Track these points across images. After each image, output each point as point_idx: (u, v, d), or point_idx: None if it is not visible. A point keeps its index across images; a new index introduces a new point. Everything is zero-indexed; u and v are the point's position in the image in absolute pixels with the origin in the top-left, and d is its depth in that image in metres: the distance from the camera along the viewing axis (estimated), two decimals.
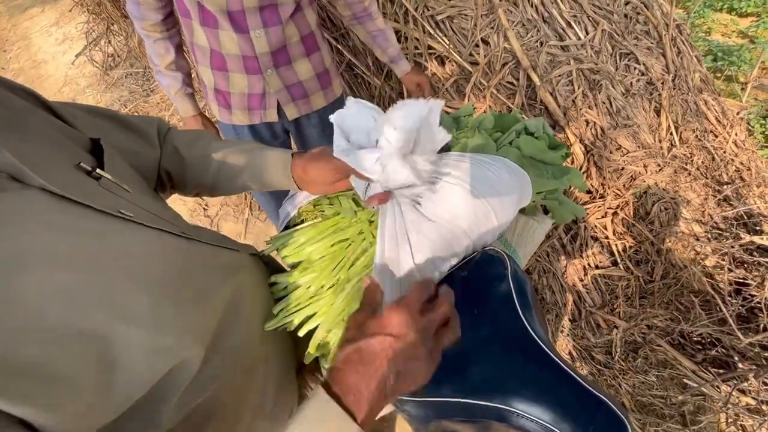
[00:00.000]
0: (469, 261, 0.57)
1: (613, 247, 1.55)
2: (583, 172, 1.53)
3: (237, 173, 0.61)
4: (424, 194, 0.51)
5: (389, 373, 0.36)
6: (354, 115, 0.52)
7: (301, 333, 0.53)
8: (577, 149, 1.49)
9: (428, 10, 1.59)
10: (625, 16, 1.65)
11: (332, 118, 0.53)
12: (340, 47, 1.77)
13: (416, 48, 1.66)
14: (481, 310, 0.54)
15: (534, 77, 1.46)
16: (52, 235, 0.31)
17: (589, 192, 1.57)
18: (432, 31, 1.60)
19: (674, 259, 1.50)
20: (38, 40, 4.52)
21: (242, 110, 1.08)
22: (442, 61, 1.67)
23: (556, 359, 0.49)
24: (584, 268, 1.55)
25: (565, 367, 0.47)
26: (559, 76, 1.48)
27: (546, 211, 0.78)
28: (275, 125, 1.14)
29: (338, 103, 1.22)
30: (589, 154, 1.50)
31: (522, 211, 0.72)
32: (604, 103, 1.50)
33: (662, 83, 1.61)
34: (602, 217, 1.56)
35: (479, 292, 0.55)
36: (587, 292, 1.55)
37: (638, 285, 1.52)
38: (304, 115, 1.13)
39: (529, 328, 0.52)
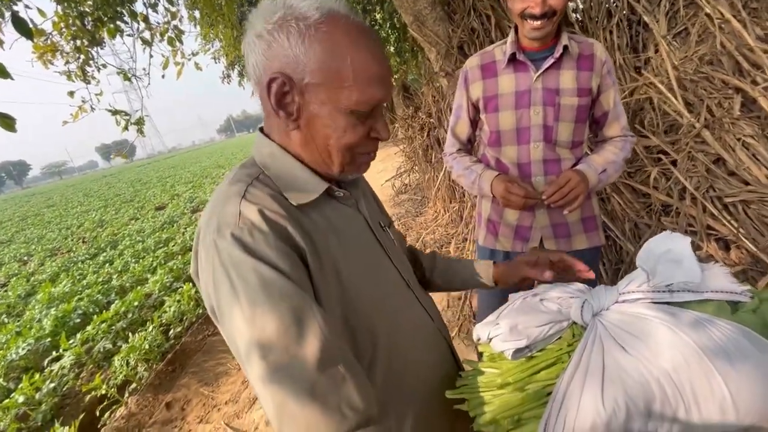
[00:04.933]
0: None
1: None
2: None
3: (457, 280, 0.85)
4: (629, 330, 0.51)
5: None
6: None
7: (476, 426, 0.57)
8: None
9: (714, 191, 1.46)
10: None
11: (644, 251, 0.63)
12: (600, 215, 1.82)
13: (689, 225, 1.51)
14: None
15: None
16: (359, 237, 0.62)
17: None
18: (716, 212, 1.43)
19: None
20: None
21: (506, 238, 1.29)
22: (726, 245, 1.43)
23: None
24: None
25: None
26: None
27: None
28: None
29: (596, 252, 1.29)
30: None
31: None
32: None
33: None
34: None
35: None
36: None
37: None
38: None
39: None
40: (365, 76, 0.51)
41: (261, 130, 0.62)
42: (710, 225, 1.41)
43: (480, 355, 0.68)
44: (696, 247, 1.44)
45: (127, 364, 2.61)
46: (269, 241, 0.48)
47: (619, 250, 1.74)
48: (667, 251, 0.62)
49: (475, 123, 1.32)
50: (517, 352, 0.60)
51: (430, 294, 0.80)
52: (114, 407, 2.37)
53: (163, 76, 3.49)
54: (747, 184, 1.39)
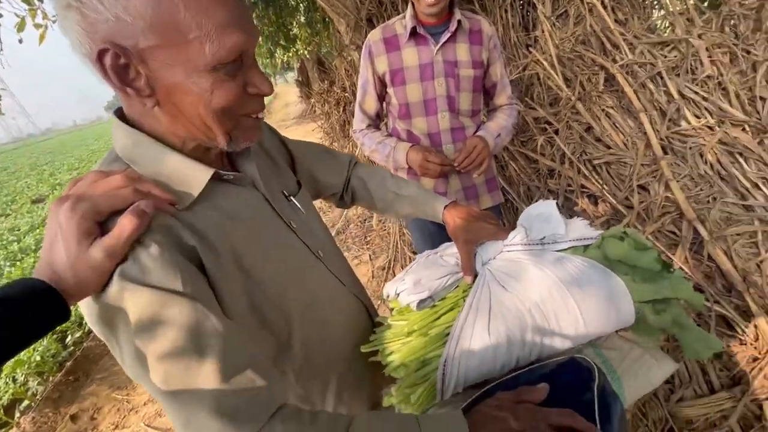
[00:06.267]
0: (555, 361, 0.60)
1: None
2: None
3: (403, 203, 0.86)
4: (509, 272, 0.61)
5: None
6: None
7: (387, 371, 0.63)
8: (763, 323, 1.21)
9: (586, 155, 1.71)
10: None
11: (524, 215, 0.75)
12: (498, 177, 2.02)
13: (569, 186, 1.76)
14: (556, 405, 0.55)
15: (702, 230, 1.34)
16: (258, 219, 0.59)
17: None
18: (587, 173, 1.69)
19: None
20: None
21: None
22: (595, 200, 1.71)
23: None
24: None
25: None
26: (738, 234, 1.32)
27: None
28: None
29: (497, 210, 1.46)
30: None
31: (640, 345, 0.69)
32: None
33: None
34: None
35: (558, 393, 0.56)
36: None
37: None
38: None
39: None
40: (212, 21, 0.43)
41: (118, 113, 0.52)
42: (583, 184, 1.67)
43: (391, 310, 0.75)
44: (573, 204, 1.69)
45: (14, 380, 2.27)
46: (149, 263, 0.44)
47: (516, 211, 1.96)
48: (540, 214, 0.74)
49: (382, 97, 1.36)
50: (421, 303, 0.67)
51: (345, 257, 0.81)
52: (3, 430, 2.07)
53: (20, 41, 2.89)
54: (609, 148, 1.65)
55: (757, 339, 1.23)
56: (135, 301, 0.43)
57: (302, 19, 6.76)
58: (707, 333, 0.67)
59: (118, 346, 0.46)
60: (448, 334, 0.64)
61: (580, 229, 0.72)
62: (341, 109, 3.54)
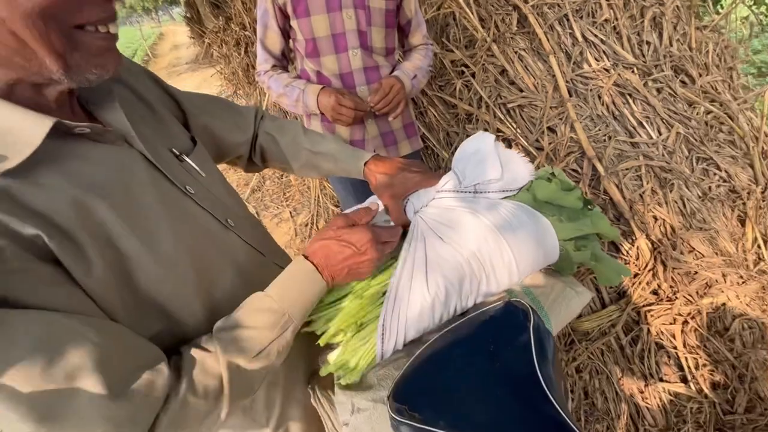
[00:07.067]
0: (492, 307, 0.59)
1: (683, 361, 1.36)
2: (649, 270, 1.43)
3: (320, 161, 0.76)
4: (444, 221, 0.57)
5: (344, 267, 0.54)
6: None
7: (322, 341, 0.57)
8: (643, 244, 1.41)
9: (501, 98, 1.74)
10: (706, 123, 1.63)
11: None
12: (417, 122, 1.98)
13: (486, 130, 1.80)
14: (495, 351, 0.55)
15: (599, 167, 1.48)
16: (137, 185, 0.45)
17: (655, 293, 1.44)
18: (502, 117, 1.73)
19: (764, 390, 1.26)
20: None
21: None
22: (509, 143, 1.78)
23: (563, 415, 0.47)
24: (645, 377, 1.37)
25: (572, 425, 0.45)
26: (627, 169, 1.48)
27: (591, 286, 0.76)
28: None
29: (416, 156, 1.42)
30: (656, 251, 1.41)
31: (561, 278, 0.72)
32: (676, 202, 1.44)
33: (748, 193, 1.51)
34: (670, 324, 1.40)
35: (498, 337, 0.56)
36: (647, 408, 1.34)
37: (714, 413, 1.28)
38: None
39: (541, 378, 0.51)
40: None
41: None
42: (499, 128, 1.71)
43: None
44: None
45: None
46: None
47: (436, 157, 1.97)
48: (476, 152, 0.69)
49: (285, 33, 1.18)
50: None
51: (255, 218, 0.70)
52: None
53: None
54: (521, 91, 1.70)
55: (638, 258, 1.44)
56: None
57: None
58: (618, 262, 0.72)
59: None
60: (384, 293, 0.59)
61: (515, 165, 0.69)
62: (242, 50, 3.11)
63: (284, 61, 1.26)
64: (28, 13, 0.32)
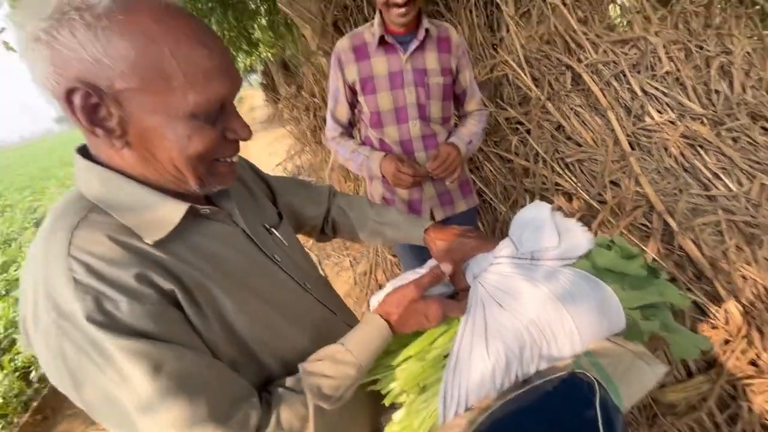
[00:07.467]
0: (557, 376, 0.59)
1: None
2: (743, 337, 1.27)
3: (385, 229, 0.85)
4: (502, 288, 0.60)
5: (411, 328, 0.61)
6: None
7: (387, 400, 0.61)
8: (733, 307, 1.28)
9: (558, 153, 1.76)
10: None
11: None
12: (474, 177, 2.04)
13: (543, 184, 1.80)
14: (559, 424, 0.55)
15: (671, 222, 1.40)
16: (239, 255, 0.56)
17: (754, 364, 1.27)
18: (560, 171, 1.73)
19: None
20: (254, 152, 6.38)
21: None
22: (569, 197, 1.75)
23: None
24: None
25: None
26: (704, 224, 1.38)
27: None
28: None
29: (474, 212, 1.47)
30: (748, 316, 1.26)
31: (631, 351, 0.70)
32: (767, 260, 1.30)
33: None
34: None
35: (562, 409, 0.56)
36: None
37: None
38: (447, 217, 1.38)
39: None
40: (197, 70, 0.42)
41: (81, 151, 0.49)
42: (557, 182, 1.71)
43: None
44: (549, 201, 1.73)
45: None
46: (123, 306, 0.41)
47: (494, 211, 1.99)
48: (532, 220, 0.73)
49: (353, 105, 1.34)
50: None
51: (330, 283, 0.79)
52: None
53: None
54: (579, 145, 1.70)
55: (727, 322, 1.30)
56: (111, 353, 0.41)
57: (263, 22, 6.61)
58: (694, 333, 0.69)
59: (96, 410, 0.43)
60: (446, 356, 0.62)
61: (573, 234, 0.71)
62: (311, 114, 3.48)
63: (350, 128, 1.41)
64: (191, 156, 0.45)
